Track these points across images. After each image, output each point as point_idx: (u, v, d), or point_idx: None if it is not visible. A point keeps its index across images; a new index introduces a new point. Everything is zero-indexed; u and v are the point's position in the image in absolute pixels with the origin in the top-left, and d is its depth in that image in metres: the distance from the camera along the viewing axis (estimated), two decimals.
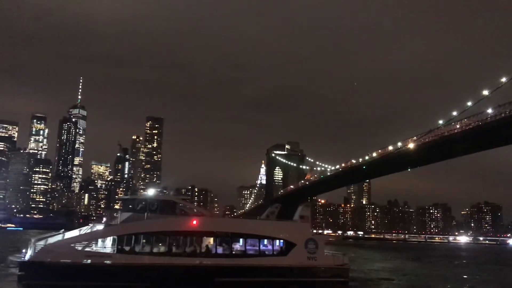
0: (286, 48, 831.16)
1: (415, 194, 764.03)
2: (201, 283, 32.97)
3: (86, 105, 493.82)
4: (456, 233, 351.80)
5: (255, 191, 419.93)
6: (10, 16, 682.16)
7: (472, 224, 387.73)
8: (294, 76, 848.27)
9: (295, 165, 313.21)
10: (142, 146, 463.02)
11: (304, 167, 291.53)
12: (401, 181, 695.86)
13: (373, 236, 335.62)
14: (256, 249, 36.14)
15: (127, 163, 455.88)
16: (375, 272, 55.11)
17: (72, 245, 32.20)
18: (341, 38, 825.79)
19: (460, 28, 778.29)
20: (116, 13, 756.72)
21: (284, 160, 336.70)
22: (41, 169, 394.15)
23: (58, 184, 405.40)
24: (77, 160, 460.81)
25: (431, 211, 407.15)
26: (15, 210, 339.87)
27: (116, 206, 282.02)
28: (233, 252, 35.54)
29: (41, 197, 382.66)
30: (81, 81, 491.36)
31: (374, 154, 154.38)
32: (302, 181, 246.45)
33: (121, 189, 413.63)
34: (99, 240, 33.50)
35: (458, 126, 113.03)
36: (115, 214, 37.60)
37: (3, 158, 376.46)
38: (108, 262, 31.70)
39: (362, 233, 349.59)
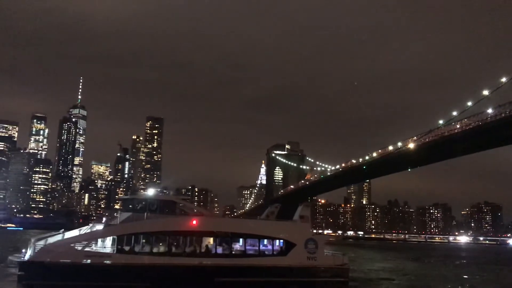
0: (286, 48, 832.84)
1: (415, 194, 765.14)
2: (201, 283, 32.94)
3: (86, 105, 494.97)
4: (456, 233, 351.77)
5: (255, 191, 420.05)
6: (10, 16, 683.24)
7: (472, 224, 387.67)
8: (294, 76, 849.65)
9: (295, 165, 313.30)
10: (142, 146, 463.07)
11: (304, 167, 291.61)
12: (401, 181, 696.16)
13: (373, 236, 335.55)
14: (256, 249, 36.11)
15: (127, 163, 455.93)
16: (375, 272, 55.10)
17: (71, 245, 32.16)
18: (341, 38, 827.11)
19: (460, 28, 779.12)
20: (116, 13, 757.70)
21: (284, 160, 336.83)
22: (41, 169, 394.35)
23: (58, 184, 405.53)
24: (77, 160, 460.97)
25: (431, 211, 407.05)
26: (15, 210, 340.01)
27: (116, 206, 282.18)
28: (233, 252, 35.50)
29: (41, 197, 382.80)
30: (81, 81, 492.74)
31: (374, 154, 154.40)
32: (302, 181, 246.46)
33: (121, 189, 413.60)
34: (99, 240, 33.51)
35: (458, 126, 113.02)
36: (115, 214, 37.58)
37: (3, 158, 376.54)
38: (107, 262, 31.67)
39: (362, 233, 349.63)
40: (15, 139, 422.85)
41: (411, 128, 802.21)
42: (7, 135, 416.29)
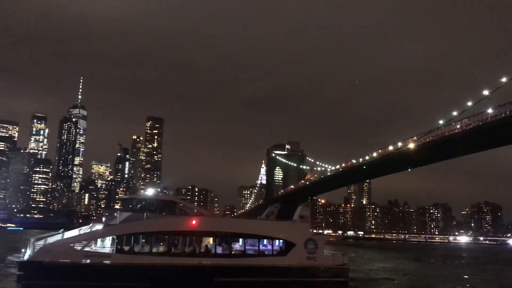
0: (286, 48, 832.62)
1: (415, 194, 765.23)
2: (200, 283, 32.91)
3: (86, 105, 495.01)
4: (456, 233, 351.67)
5: (255, 191, 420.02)
6: (10, 16, 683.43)
7: (472, 224, 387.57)
8: (294, 76, 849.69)
9: (295, 165, 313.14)
10: (142, 146, 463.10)
11: (304, 167, 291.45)
12: (401, 181, 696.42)
13: (373, 236, 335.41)
14: (256, 249, 36.09)
15: (127, 163, 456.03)
16: (375, 272, 55.03)
17: (71, 245, 32.12)
18: (341, 38, 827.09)
19: (460, 28, 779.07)
20: (116, 13, 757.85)
21: (284, 160, 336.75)
22: (42, 169, 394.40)
23: (59, 184, 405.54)
24: (77, 160, 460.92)
25: (431, 211, 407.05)
26: (15, 210, 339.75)
27: (117, 206, 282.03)
28: (233, 252, 35.48)
29: (41, 197, 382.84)
30: (81, 81, 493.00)
31: (374, 154, 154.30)
32: (302, 181, 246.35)
33: (121, 189, 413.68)
34: (98, 240, 33.47)
35: (458, 126, 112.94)
36: (114, 214, 37.54)
37: (3, 158, 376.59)
38: (107, 262, 31.64)
39: (362, 233, 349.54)
40: (15, 139, 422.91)
41: (411, 128, 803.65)
42: (7, 135, 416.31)
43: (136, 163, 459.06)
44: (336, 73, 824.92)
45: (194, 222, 35.32)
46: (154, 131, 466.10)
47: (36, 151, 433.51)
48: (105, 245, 33.26)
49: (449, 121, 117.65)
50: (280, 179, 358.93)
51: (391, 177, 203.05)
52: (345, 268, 38.22)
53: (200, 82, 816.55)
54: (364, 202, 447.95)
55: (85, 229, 35.87)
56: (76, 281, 30.54)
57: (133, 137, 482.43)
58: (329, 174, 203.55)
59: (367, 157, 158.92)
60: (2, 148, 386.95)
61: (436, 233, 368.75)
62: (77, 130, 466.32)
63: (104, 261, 31.63)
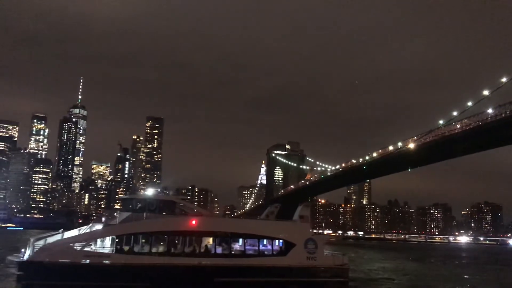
0: (286, 48, 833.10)
1: (415, 194, 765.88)
2: (200, 283, 32.90)
3: (86, 105, 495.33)
4: (457, 233, 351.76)
5: (255, 191, 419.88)
6: (10, 16, 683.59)
7: (473, 224, 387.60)
8: (294, 76, 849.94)
9: (295, 165, 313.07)
10: (142, 146, 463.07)
11: (304, 167, 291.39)
12: (401, 181, 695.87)
13: (373, 236, 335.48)
14: (256, 249, 36.04)
15: (127, 163, 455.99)
16: (375, 272, 55.04)
17: (71, 245, 32.09)
18: (341, 38, 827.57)
19: (460, 28, 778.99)
20: (116, 13, 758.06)
21: (284, 160, 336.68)
22: (42, 169, 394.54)
23: (59, 184, 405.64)
24: (77, 160, 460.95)
25: (431, 211, 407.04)
26: (15, 210, 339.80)
27: (117, 206, 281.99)
28: (233, 252, 35.43)
29: (41, 197, 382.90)
30: (81, 81, 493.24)
31: (374, 154, 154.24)
32: (302, 181, 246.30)
33: (121, 189, 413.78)
34: (98, 240, 33.40)
35: (458, 126, 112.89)
36: (114, 214, 37.50)
37: (3, 158, 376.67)
38: (107, 262, 31.61)
39: (362, 233, 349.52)
40: (15, 139, 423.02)
41: (411, 128, 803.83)
42: (7, 135, 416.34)
43: (136, 163, 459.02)
44: (336, 73, 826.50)
45: (194, 222, 35.26)
46: (154, 131, 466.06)
47: (36, 151, 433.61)
48: (105, 245, 33.19)
49: (449, 121, 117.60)
50: (280, 179, 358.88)
51: (391, 177, 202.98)
52: (345, 268, 38.16)
53: (200, 82, 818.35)
54: (364, 202, 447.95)
55: (85, 229, 35.81)
56: (76, 281, 30.48)
57: (133, 137, 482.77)
58: (329, 174, 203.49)
59: (367, 157, 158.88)
60: (2, 148, 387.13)
61: (436, 233, 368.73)
62: (77, 130, 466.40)
63: (104, 261, 31.59)
